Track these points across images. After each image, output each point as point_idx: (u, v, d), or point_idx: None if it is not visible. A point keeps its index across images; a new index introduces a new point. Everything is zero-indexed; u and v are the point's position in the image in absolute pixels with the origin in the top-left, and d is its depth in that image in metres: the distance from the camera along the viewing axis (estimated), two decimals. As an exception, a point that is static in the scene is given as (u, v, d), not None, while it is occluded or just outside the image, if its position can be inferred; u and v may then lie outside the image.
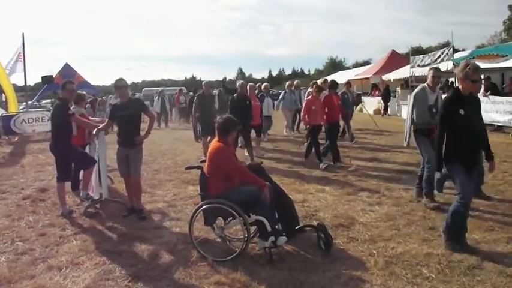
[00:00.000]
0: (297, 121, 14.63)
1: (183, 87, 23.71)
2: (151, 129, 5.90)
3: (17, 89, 19.17)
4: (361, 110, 20.10)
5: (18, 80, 19.05)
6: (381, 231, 4.82)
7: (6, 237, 5.02)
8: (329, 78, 28.90)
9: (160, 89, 24.22)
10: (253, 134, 10.08)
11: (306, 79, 41.56)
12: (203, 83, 10.07)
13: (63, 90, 6.13)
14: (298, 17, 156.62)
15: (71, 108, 6.21)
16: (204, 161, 4.64)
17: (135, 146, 5.68)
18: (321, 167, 8.36)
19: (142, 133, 5.82)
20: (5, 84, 16.88)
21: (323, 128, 8.83)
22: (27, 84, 19.95)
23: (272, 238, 4.07)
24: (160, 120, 19.48)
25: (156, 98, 20.64)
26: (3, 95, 18.20)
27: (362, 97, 23.84)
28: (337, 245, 4.47)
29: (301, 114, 9.11)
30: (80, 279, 3.92)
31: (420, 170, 6.05)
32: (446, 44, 22.70)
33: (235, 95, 9.27)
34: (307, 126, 9.01)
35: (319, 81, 10.98)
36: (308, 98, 9.11)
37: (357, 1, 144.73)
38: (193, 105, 9.77)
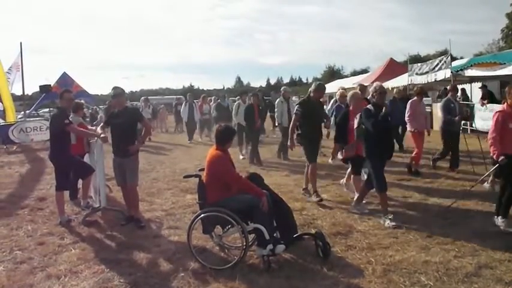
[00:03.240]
0: None
1: (204, 94, 18.41)
2: (145, 139, 5.90)
3: (15, 98, 19.19)
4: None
5: (16, 89, 19.11)
6: (378, 239, 4.84)
7: (5, 246, 5.02)
8: (327, 86, 28.95)
9: (181, 96, 21.43)
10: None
11: (304, 88, 41.54)
12: (314, 86, 6.89)
13: (61, 99, 6.15)
14: (294, 25, 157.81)
15: (70, 117, 6.23)
16: (202, 170, 4.66)
17: (129, 155, 5.63)
18: (499, 224, 5.01)
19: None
20: (4, 93, 16.91)
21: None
22: (25, 93, 20.02)
23: (270, 246, 4.08)
24: (192, 132, 16.33)
25: (183, 104, 16.82)
26: (0, 104, 18.19)
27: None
28: (335, 253, 4.48)
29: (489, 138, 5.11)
30: (79, 287, 3.92)
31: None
32: (444, 52, 22.81)
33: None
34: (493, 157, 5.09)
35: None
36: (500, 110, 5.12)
37: (352, 10, 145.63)
38: (294, 116, 6.93)
